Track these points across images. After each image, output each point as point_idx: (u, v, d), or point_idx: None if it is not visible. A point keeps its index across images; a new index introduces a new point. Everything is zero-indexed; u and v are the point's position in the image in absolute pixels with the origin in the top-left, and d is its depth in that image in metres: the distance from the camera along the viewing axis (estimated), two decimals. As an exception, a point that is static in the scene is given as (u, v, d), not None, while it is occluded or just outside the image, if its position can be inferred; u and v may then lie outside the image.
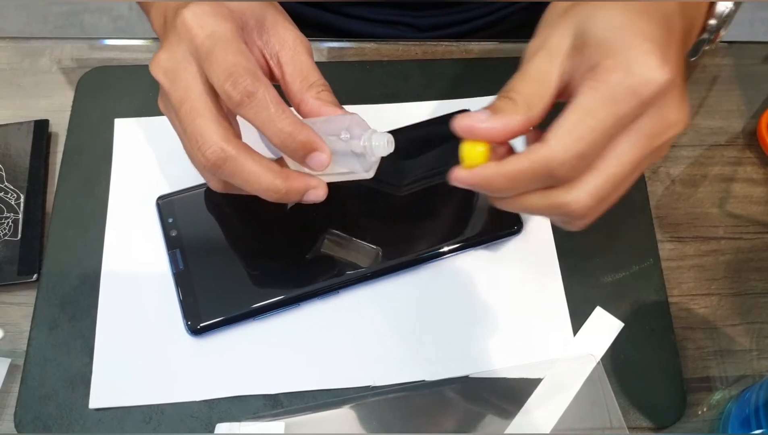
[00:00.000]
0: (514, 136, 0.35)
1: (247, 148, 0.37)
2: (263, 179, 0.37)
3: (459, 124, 0.35)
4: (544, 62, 0.35)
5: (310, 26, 0.65)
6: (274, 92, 0.37)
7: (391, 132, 0.48)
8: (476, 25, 0.66)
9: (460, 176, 0.36)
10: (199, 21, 0.37)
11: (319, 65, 0.52)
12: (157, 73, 0.38)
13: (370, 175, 0.39)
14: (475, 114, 0.35)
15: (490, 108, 0.35)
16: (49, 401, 0.42)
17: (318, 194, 0.39)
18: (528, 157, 0.33)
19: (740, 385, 0.44)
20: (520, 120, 0.34)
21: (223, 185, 0.40)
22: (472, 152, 0.35)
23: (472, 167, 0.35)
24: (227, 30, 0.37)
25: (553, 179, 0.33)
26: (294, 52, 0.40)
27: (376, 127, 0.49)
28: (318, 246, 0.45)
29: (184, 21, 0.37)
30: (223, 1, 0.39)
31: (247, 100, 0.36)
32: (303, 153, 0.37)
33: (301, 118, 0.38)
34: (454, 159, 0.48)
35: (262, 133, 0.37)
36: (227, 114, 0.38)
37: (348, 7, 0.64)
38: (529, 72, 0.36)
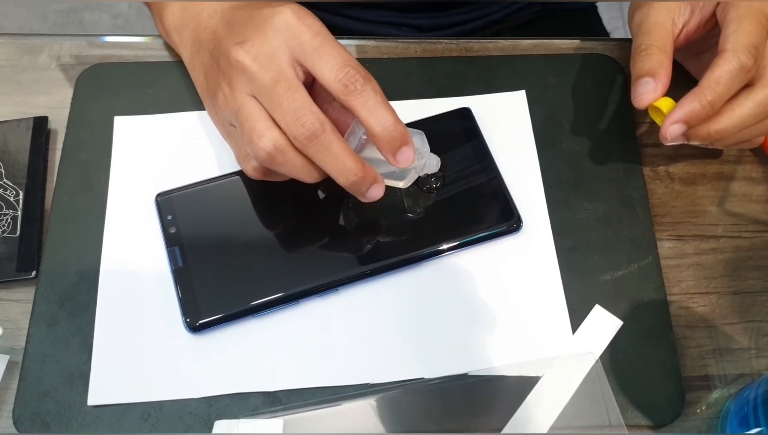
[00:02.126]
0: (670, 76, 0.44)
1: (335, 129, 0.40)
2: (349, 159, 0.40)
3: (645, 100, 0.44)
4: (654, 15, 0.45)
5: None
6: (379, 87, 0.40)
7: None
8: (477, 26, 0.66)
9: (671, 126, 0.43)
10: (305, 20, 0.41)
11: (319, 63, 0.52)
12: (245, 57, 0.40)
13: (406, 185, 0.43)
14: (641, 87, 0.44)
15: (643, 72, 0.44)
16: (48, 398, 0.42)
17: (380, 191, 0.42)
18: (718, 66, 0.41)
19: (739, 383, 0.44)
20: (667, 63, 0.44)
21: (264, 172, 0.42)
22: (665, 105, 0.44)
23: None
24: (328, 32, 0.41)
25: (748, 72, 0.42)
26: None
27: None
28: (317, 243, 0.45)
29: (288, 19, 0.40)
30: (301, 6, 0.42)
31: (360, 89, 0.39)
32: (399, 144, 0.40)
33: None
34: (454, 156, 0.48)
35: (366, 121, 0.40)
36: None
37: (349, 9, 0.64)
38: (649, 27, 0.45)
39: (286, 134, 0.39)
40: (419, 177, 0.47)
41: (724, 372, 0.44)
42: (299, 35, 0.40)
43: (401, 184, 0.43)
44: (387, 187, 0.42)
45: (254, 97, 0.40)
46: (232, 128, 0.43)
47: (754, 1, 0.42)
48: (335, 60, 0.39)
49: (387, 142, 0.40)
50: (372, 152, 0.42)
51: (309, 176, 0.41)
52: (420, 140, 0.43)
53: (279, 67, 0.40)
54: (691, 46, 0.48)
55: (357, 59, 0.52)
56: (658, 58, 0.44)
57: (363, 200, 0.42)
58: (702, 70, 0.48)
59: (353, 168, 0.40)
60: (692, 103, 0.42)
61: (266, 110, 0.40)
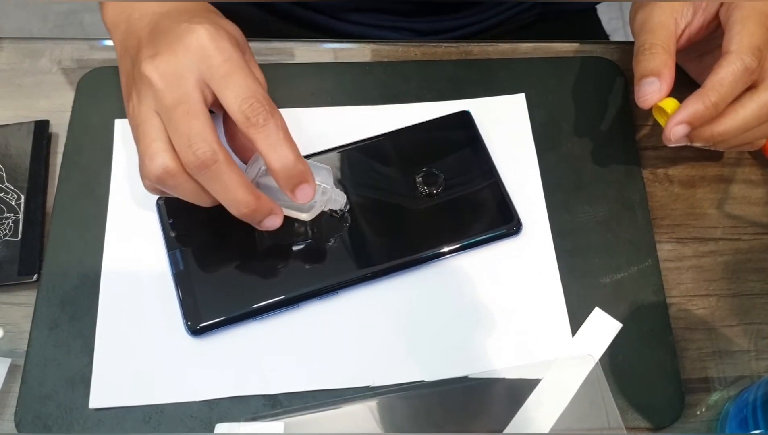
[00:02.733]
0: (674, 76, 0.44)
1: (232, 159, 0.39)
2: (240, 191, 0.39)
3: (650, 100, 0.44)
4: (657, 15, 0.45)
5: (312, 29, 0.65)
6: (284, 122, 0.40)
7: (391, 132, 0.49)
8: (476, 29, 0.66)
9: (675, 127, 0.43)
10: (216, 43, 0.40)
11: (319, 66, 0.53)
12: (153, 73, 0.40)
13: (310, 218, 0.43)
14: (646, 86, 0.44)
15: (647, 71, 0.44)
16: (50, 401, 0.42)
17: (277, 221, 0.42)
18: (722, 67, 0.41)
19: (738, 385, 0.44)
20: (671, 63, 0.44)
21: (159, 190, 0.42)
22: (669, 106, 0.44)
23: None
24: (241, 58, 0.41)
25: (752, 74, 0.41)
26: None
27: (376, 127, 0.49)
28: (318, 246, 0.45)
29: (200, 38, 0.40)
30: (224, 26, 0.42)
31: (262, 123, 0.39)
32: (297, 181, 0.40)
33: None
34: (453, 160, 0.48)
35: (266, 156, 0.39)
36: None
37: (349, 14, 0.64)
38: (652, 26, 0.45)
39: (180, 159, 0.39)
40: (417, 180, 0.47)
41: (724, 374, 0.45)
42: (209, 58, 0.40)
43: (304, 217, 0.43)
44: (290, 217, 0.43)
45: (158, 114, 0.40)
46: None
47: (758, 2, 0.42)
48: (241, 90, 0.39)
49: (285, 179, 0.40)
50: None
51: (202, 202, 0.41)
52: (325, 175, 0.43)
53: (184, 88, 0.39)
54: (693, 48, 0.48)
55: (356, 62, 0.53)
56: (662, 58, 0.44)
57: (258, 228, 0.42)
58: (703, 72, 0.48)
59: (244, 200, 0.39)
60: (696, 105, 0.42)
61: (166, 130, 0.40)
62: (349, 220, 0.46)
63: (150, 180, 0.40)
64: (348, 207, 0.46)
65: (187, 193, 0.41)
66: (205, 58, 0.40)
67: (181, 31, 0.40)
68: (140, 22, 0.44)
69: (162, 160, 0.39)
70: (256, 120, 0.39)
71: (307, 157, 0.48)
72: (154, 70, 0.40)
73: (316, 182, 0.41)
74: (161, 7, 0.44)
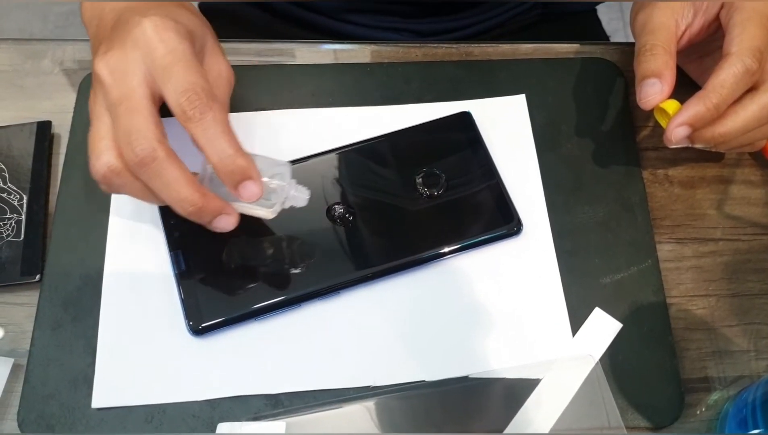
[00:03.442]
0: (675, 77, 0.44)
1: (176, 156, 0.39)
2: (183, 189, 0.38)
3: (652, 101, 0.44)
4: (658, 16, 0.45)
5: (312, 30, 0.66)
6: (224, 115, 0.39)
7: (392, 133, 0.49)
8: (476, 30, 0.66)
9: (676, 129, 0.43)
10: (161, 35, 0.39)
11: (320, 67, 0.53)
12: (102, 69, 0.39)
13: (272, 216, 0.42)
14: (648, 88, 0.44)
15: (648, 72, 0.44)
16: (52, 401, 0.42)
17: (229, 222, 0.41)
18: (722, 69, 0.41)
19: (738, 385, 0.44)
20: (672, 64, 0.44)
21: (109, 188, 0.41)
22: (670, 107, 0.44)
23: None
24: (186, 49, 0.39)
25: (753, 76, 0.42)
26: (215, 84, 0.42)
27: (377, 128, 0.50)
28: (319, 247, 0.45)
29: (145, 31, 0.39)
30: (177, 17, 0.41)
31: (198, 116, 0.38)
32: (238, 178, 0.39)
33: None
34: (454, 160, 0.48)
35: (204, 151, 0.38)
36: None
37: (350, 15, 0.64)
38: (653, 27, 0.45)
39: (123, 156, 0.38)
40: (419, 180, 0.47)
41: (723, 374, 0.45)
42: (153, 51, 0.39)
43: (266, 214, 0.42)
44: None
45: (108, 112, 0.39)
46: None
47: (758, 3, 0.42)
48: (180, 82, 0.38)
49: (226, 175, 0.39)
50: None
51: (150, 200, 0.40)
52: (281, 171, 0.42)
53: (129, 84, 0.38)
54: (693, 49, 0.48)
55: (357, 63, 0.53)
56: (663, 59, 0.44)
57: (211, 229, 0.41)
58: (703, 73, 0.48)
59: (189, 198, 0.38)
60: (697, 106, 0.42)
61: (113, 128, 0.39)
62: (350, 221, 0.46)
63: (97, 179, 0.40)
64: (307, 201, 0.44)
65: (134, 192, 0.40)
66: (149, 51, 0.39)
67: (130, 26, 0.40)
68: (108, 17, 0.44)
69: (106, 158, 0.38)
70: (193, 114, 0.38)
71: (308, 158, 0.48)
72: (104, 66, 0.39)
73: (267, 178, 0.40)
74: (132, 2, 0.44)
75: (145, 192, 0.40)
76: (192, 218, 0.40)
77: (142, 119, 0.38)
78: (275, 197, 0.41)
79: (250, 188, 0.39)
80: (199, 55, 0.42)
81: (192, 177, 0.39)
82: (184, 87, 0.38)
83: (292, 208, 0.43)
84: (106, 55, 0.39)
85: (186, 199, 0.39)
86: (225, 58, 0.45)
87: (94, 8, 0.45)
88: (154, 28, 0.39)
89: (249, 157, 0.39)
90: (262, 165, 0.41)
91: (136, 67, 0.39)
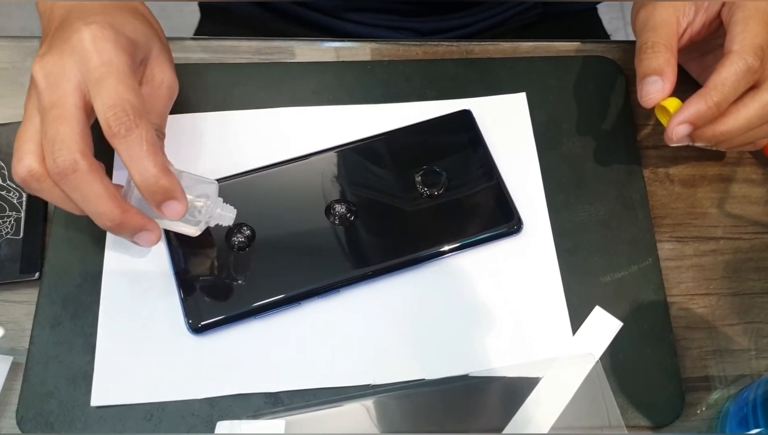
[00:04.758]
0: (676, 74, 0.44)
1: (99, 169, 0.38)
2: (103, 203, 0.38)
3: (653, 99, 0.44)
4: (660, 13, 0.45)
5: (313, 28, 0.65)
6: (151, 134, 0.38)
7: (392, 131, 0.49)
8: (477, 29, 0.66)
9: (677, 127, 0.43)
10: (98, 45, 0.39)
11: (321, 65, 0.53)
12: (38, 72, 0.39)
13: (197, 234, 0.42)
14: (649, 86, 0.43)
15: (650, 70, 0.43)
16: (51, 399, 0.42)
17: (151, 238, 0.41)
18: (724, 67, 0.41)
19: (738, 384, 0.44)
20: (673, 62, 0.44)
21: (35, 193, 0.40)
22: (672, 105, 0.44)
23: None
24: (123, 62, 0.39)
25: (754, 74, 0.42)
26: (155, 94, 0.43)
27: (377, 126, 0.50)
28: (319, 245, 0.45)
29: (82, 39, 0.39)
30: (120, 26, 0.40)
31: (123, 133, 0.37)
32: (161, 198, 0.39)
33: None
34: (455, 159, 0.48)
35: (128, 168, 0.38)
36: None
37: (350, 13, 0.64)
38: (655, 24, 0.44)
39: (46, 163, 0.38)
40: (419, 178, 0.47)
41: (724, 373, 0.45)
42: (87, 61, 0.38)
43: (190, 232, 0.42)
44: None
45: (39, 114, 0.39)
46: None
47: (760, 2, 0.42)
48: (109, 97, 0.37)
49: (148, 194, 0.38)
50: None
51: (70, 209, 0.40)
52: (206, 190, 0.41)
53: (62, 91, 0.38)
54: (694, 47, 0.48)
55: (357, 61, 0.53)
56: (665, 57, 0.44)
57: (133, 243, 0.41)
58: (704, 71, 0.48)
59: (107, 213, 0.38)
60: (698, 104, 0.42)
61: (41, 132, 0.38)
62: (350, 219, 0.46)
63: (17, 181, 0.39)
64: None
65: (53, 199, 0.40)
66: (85, 60, 0.38)
67: (71, 31, 0.39)
68: (57, 14, 0.43)
69: (28, 162, 0.38)
70: (118, 130, 0.37)
71: (308, 155, 0.48)
72: (40, 69, 0.39)
73: (192, 197, 0.40)
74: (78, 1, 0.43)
75: (65, 201, 0.39)
76: (112, 232, 0.40)
77: (68, 129, 0.37)
78: (200, 216, 0.41)
79: (173, 207, 0.39)
80: (141, 64, 0.42)
81: (113, 192, 0.38)
82: (113, 102, 0.37)
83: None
84: (44, 57, 0.39)
85: (104, 214, 0.38)
86: (170, 67, 0.45)
87: (46, 1, 0.45)
88: (92, 38, 0.39)
89: (173, 177, 0.39)
90: (188, 182, 0.41)
91: (71, 74, 0.38)
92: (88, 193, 0.38)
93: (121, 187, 0.41)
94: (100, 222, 0.39)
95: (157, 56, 0.44)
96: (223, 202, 0.43)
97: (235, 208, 0.43)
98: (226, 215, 0.43)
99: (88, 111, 0.39)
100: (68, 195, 0.38)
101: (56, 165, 0.37)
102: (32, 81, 0.39)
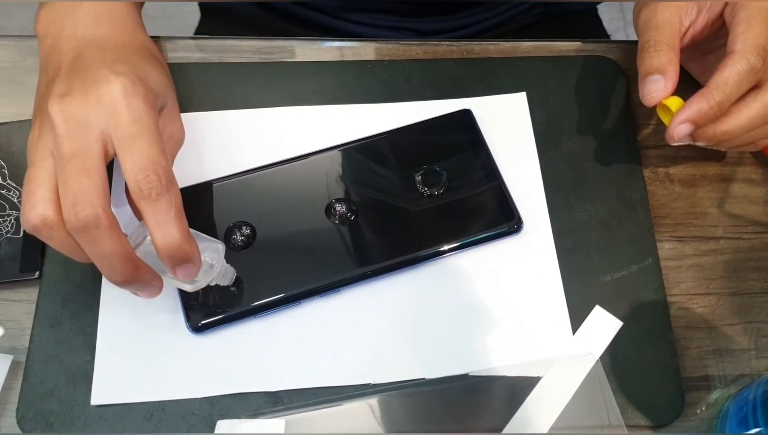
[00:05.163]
0: (678, 73, 0.44)
1: (117, 226, 0.37)
2: (118, 263, 0.37)
3: (655, 98, 0.44)
4: (662, 12, 0.45)
5: (313, 28, 0.66)
6: (179, 200, 0.38)
7: (392, 131, 0.49)
8: (477, 29, 0.66)
9: (679, 126, 0.43)
10: (129, 100, 0.38)
11: (321, 65, 0.53)
12: (57, 115, 0.37)
13: (194, 290, 0.42)
14: (651, 84, 0.43)
15: (652, 69, 0.43)
16: (51, 398, 0.42)
17: (154, 293, 0.40)
18: (726, 67, 0.41)
19: (738, 384, 0.44)
20: (675, 60, 0.44)
21: (41, 238, 0.39)
22: (674, 104, 0.44)
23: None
24: (153, 121, 0.38)
25: (756, 74, 0.42)
26: (166, 144, 0.41)
27: (377, 126, 0.50)
28: (319, 244, 0.45)
29: (113, 92, 0.38)
30: (146, 78, 0.40)
31: (154, 197, 0.37)
32: (180, 262, 0.38)
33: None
34: (455, 158, 0.48)
35: (151, 232, 0.37)
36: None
37: (351, 14, 0.64)
38: (657, 23, 0.44)
39: (62, 214, 0.37)
40: (420, 178, 0.47)
41: (724, 372, 0.45)
42: (117, 115, 0.38)
43: (188, 288, 0.41)
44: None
45: (53, 158, 0.38)
46: None
47: (763, 2, 0.42)
48: (141, 158, 0.37)
49: (168, 258, 0.38)
50: None
51: (76, 258, 0.39)
52: (214, 252, 0.41)
53: (85, 140, 0.37)
54: (696, 47, 0.48)
55: (358, 61, 0.53)
56: (667, 55, 0.44)
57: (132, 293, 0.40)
58: (705, 71, 0.48)
59: (120, 270, 0.37)
60: (700, 103, 0.42)
61: (56, 178, 0.37)
62: (350, 218, 0.46)
63: (26, 227, 0.38)
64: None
65: (62, 247, 0.38)
66: (114, 114, 0.38)
67: (98, 78, 0.38)
68: (67, 43, 0.42)
69: (42, 210, 0.37)
70: (149, 193, 0.37)
71: (308, 155, 0.48)
72: (59, 112, 0.37)
73: (203, 258, 0.40)
74: (94, 28, 0.42)
75: (75, 250, 0.38)
76: (117, 285, 0.39)
77: (91, 182, 0.37)
78: (202, 275, 0.41)
79: (188, 270, 0.39)
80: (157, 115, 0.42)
81: (129, 249, 0.38)
82: (145, 164, 0.37)
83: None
84: (64, 99, 0.38)
85: (117, 271, 0.38)
86: (180, 120, 0.45)
87: (51, 23, 0.44)
88: (124, 92, 0.38)
89: (194, 242, 0.39)
90: (199, 243, 0.40)
91: (95, 123, 0.37)
92: (105, 250, 0.37)
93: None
94: (109, 276, 0.38)
95: (171, 109, 0.44)
96: (226, 262, 0.42)
97: (234, 269, 0.43)
98: (226, 276, 0.43)
99: (107, 161, 0.38)
100: (83, 247, 0.37)
101: (78, 219, 0.36)
102: (48, 122, 0.38)
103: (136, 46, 0.44)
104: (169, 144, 0.44)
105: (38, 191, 0.37)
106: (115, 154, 0.38)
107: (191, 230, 0.39)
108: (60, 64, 0.42)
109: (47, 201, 0.37)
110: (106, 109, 0.38)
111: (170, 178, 0.38)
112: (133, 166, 0.37)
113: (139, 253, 0.39)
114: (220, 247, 0.42)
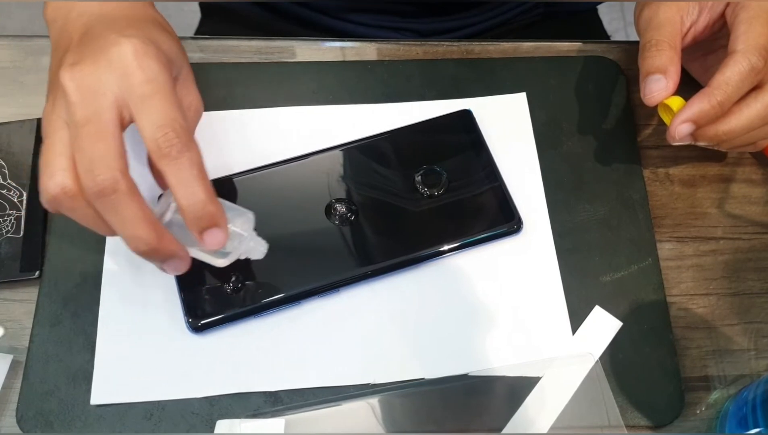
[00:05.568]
0: (680, 73, 0.44)
1: (137, 190, 0.36)
2: (141, 226, 0.36)
3: (656, 97, 0.44)
4: (663, 12, 0.45)
5: (313, 29, 0.66)
6: (201, 157, 0.37)
7: (392, 131, 0.49)
8: (477, 30, 0.66)
9: (680, 126, 0.43)
10: (141, 61, 0.37)
11: (321, 65, 0.53)
12: (69, 82, 0.36)
13: (224, 265, 0.40)
14: (652, 84, 0.43)
15: (653, 68, 0.43)
16: (51, 397, 0.42)
17: (179, 266, 0.39)
18: (728, 67, 0.41)
19: (738, 384, 0.44)
20: (677, 60, 0.44)
21: (55, 209, 0.38)
22: (675, 103, 0.44)
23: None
24: (167, 80, 0.37)
25: (758, 74, 0.42)
26: (185, 115, 0.40)
27: (377, 126, 0.50)
28: (319, 244, 0.45)
29: (123, 53, 0.37)
30: (159, 42, 0.39)
31: (174, 154, 0.35)
32: (206, 224, 0.37)
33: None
34: (455, 158, 0.48)
35: (174, 192, 0.36)
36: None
37: (350, 14, 0.64)
38: (659, 23, 0.44)
39: (80, 181, 0.36)
40: (420, 178, 0.47)
41: (724, 373, 0.45)
42: (130, 76, 0.36)
43: (218, 263, 0.40)
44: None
45: (68, 127, 0.37)
46: None
47: (765, 2, 0.42)
48: (158, 116, 0.36)
49: (193, 220, 0.37)
50: None
51: (100, 230, 0.38)
52: (244, 221, 0.40)
53: (98, 105, 0.36)
54: (697, 47, 0.48)
55: (358, 61, 0.53)
56: (668, 55, 0.43)
57: (159, 268, 0.39)
58: (706, 72, 0.48)
59: (144, 237, 0.36)
60: (701, 103, 0.42)
61: (72, 147, 0.36)
62: (350, 218, 0.46)
63: (46, 199, 0.37)
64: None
65: (84, 218, 0.37)
66: (127, 75, 0.36)
67: (107, 43, 0.37)
68: (76, 22, 0.41)
69: (60, 178, 0.36)
70: (169, 151, 0.35)
71: (308, 155, 0.48)
72: (71, 80, 0.36)
73: (232, 228, 0.39)
74: (101, 7, 0.41)
75: (97, 221, 0.37)
76: (142, 257, 0.37)
77: (107, 147, 0.35)
78: (232, 247, 0.40)
79: (215, 236, 0.37)
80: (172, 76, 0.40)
81: (151, 215, 0.37)
82: (163, 121, 0.36)
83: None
84: (75, 67, 0.37)
85: (140, 238, 0.36)
86: (196, 89, 0.44)
87: (59, 7, 0.43)
88: (134, 53, 0.37)
89: (219, 204, 0.37)
90: (226, 212, 0.39)
91: (107, 89, 0.36)
92: (126, 215, 0.36)
93: None
94: (134, 245, 0.37)
95: (186, 77, 0.43)
96: (257, 235, 0.41)
97: (267, 242, 0.41)
98: (257, 249, 0.41)
99: (123, 127, 0.37)
100: (103, 215, 0.36)
101: (96, 183, 0.35)
102: (60, 92, 0.37)
103: (146, 17, 0.43)
104: (188, 114, 0.42)
105: (56, 161, 0.36)
106: (132, 120, 0.37)
107: (219, 199, 0.38)
108: (70, 41, 0.41)
109: (65, 169, 0.36)
110: (118, 72, 0.36)
111: (190, 137, 0.36)
112: (151, 124, 0.36)
113: (164, 223, 0.38)
114: (251, 215, 0.40)
